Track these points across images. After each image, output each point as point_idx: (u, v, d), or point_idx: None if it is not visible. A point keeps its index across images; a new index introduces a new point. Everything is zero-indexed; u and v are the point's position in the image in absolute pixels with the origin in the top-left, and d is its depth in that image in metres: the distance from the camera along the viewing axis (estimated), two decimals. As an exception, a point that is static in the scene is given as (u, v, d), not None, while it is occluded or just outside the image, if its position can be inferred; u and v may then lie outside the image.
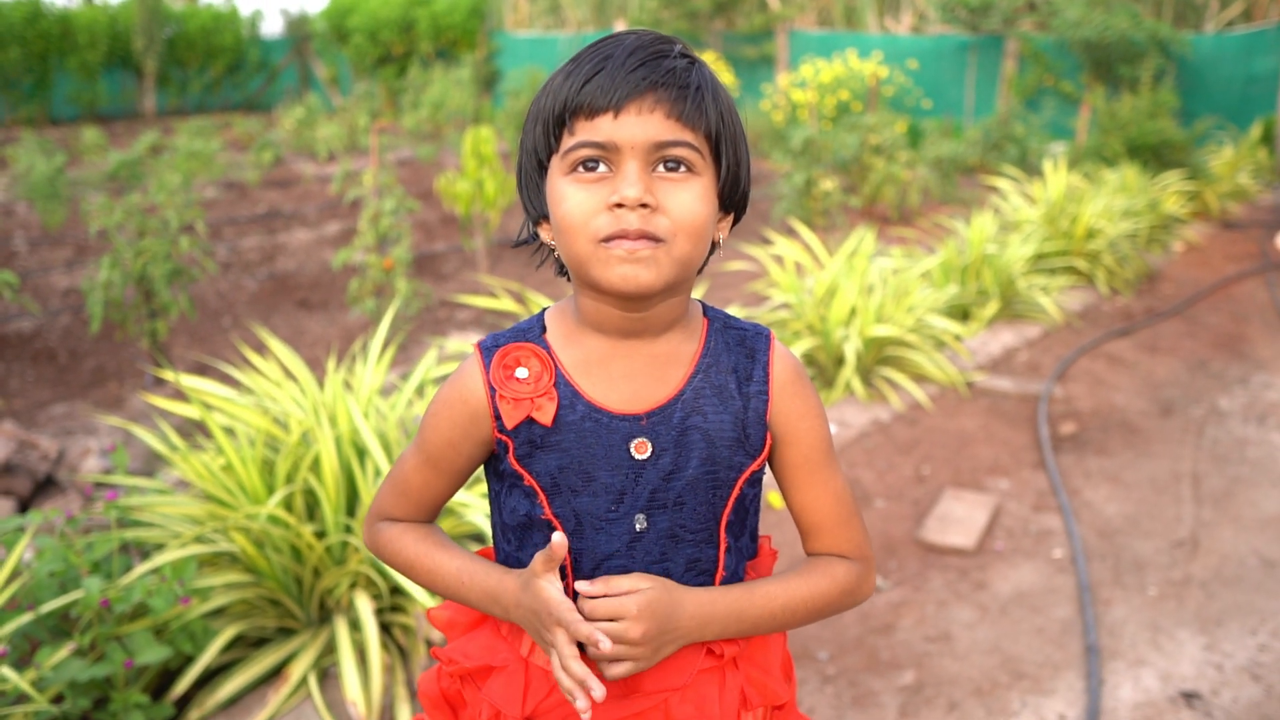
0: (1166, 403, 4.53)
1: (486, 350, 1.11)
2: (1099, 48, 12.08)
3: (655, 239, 0.99)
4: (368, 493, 2.54)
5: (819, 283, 4.79)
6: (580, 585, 1.05)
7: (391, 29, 18.31)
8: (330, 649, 2.52)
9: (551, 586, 1.03)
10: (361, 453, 2.69)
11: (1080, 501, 3.56)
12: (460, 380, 1.12)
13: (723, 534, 1.11)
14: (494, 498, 1.15)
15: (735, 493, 1.11)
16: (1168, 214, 7.92)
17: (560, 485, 1.08)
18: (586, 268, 1.01)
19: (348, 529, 2.58)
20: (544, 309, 1.16)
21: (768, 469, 1.16)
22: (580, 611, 1.04)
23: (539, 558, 1.04)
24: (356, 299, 5.24)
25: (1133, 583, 3.01)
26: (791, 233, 7.05)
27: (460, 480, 1.17)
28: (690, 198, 1.00)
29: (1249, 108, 12.42)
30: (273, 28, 21.63)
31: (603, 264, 1.00)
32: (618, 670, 1.04)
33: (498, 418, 1.09)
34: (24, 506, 3.71)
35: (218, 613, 2.54)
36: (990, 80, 13.73)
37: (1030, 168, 9.71)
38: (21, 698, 2.07)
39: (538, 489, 1.08)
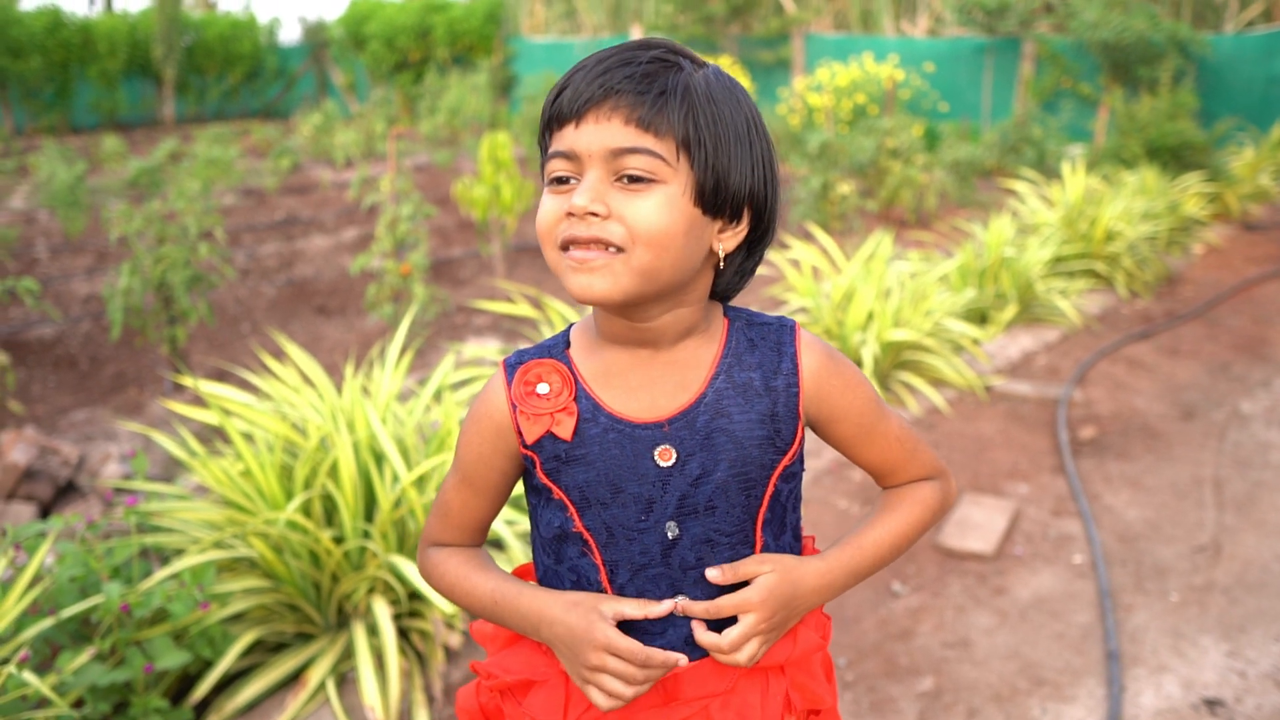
0: (1188, 406, 4.50)
1: (510, 367, 1.12)
2: (1117, 49, 12.00)
3: (611, 246, 0.98)
4: (385, 498, 2.54)
5: (836, 287, 4.78)
6: (710, 573, 1.08)
7: (408, 35, 18.40)
8: (348, 654, 2.52)
9: (619, 635, 1.05)
10: (379, 458, 2.70)
11: (1100, 506, 3.53)
12: (486, 397, 1.13)
13: (759, 534, 1.11)
14: (532, 512, 1.16)
15: (770, 490, 1.11)
16: (1187, 216, 7.85)
17: (589, 498, 1.08)
18: (559, 275, 1.02)
19: (365, 534, 2.59)
20: (571, 324, 1.16)
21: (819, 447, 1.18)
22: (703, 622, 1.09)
23: (609, 610, 1.06)
24: (374, 304, 5.26)
25: (1154, 588, 2.98)
26: (808, 236, 7.03)
27: (498, 498, 1.17)
28: (649, 207, 0.97)
29: (1270, 108, 12.31)
30: (290, 35, 21.78)
31: (565, 273, 1.01)
32: (748, 652, 1.07)
33: (521, 435, 1.09)
34: (45, 512, 3.74)
35: (236, 618, 2.55)
36: (1007, 83, 13.68)
37: (1048, 170, 9.66)
38: (43, 702, 2.08)
39: (568, 502, 1.09)
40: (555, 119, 1.01)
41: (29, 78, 16.87)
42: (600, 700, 1.04)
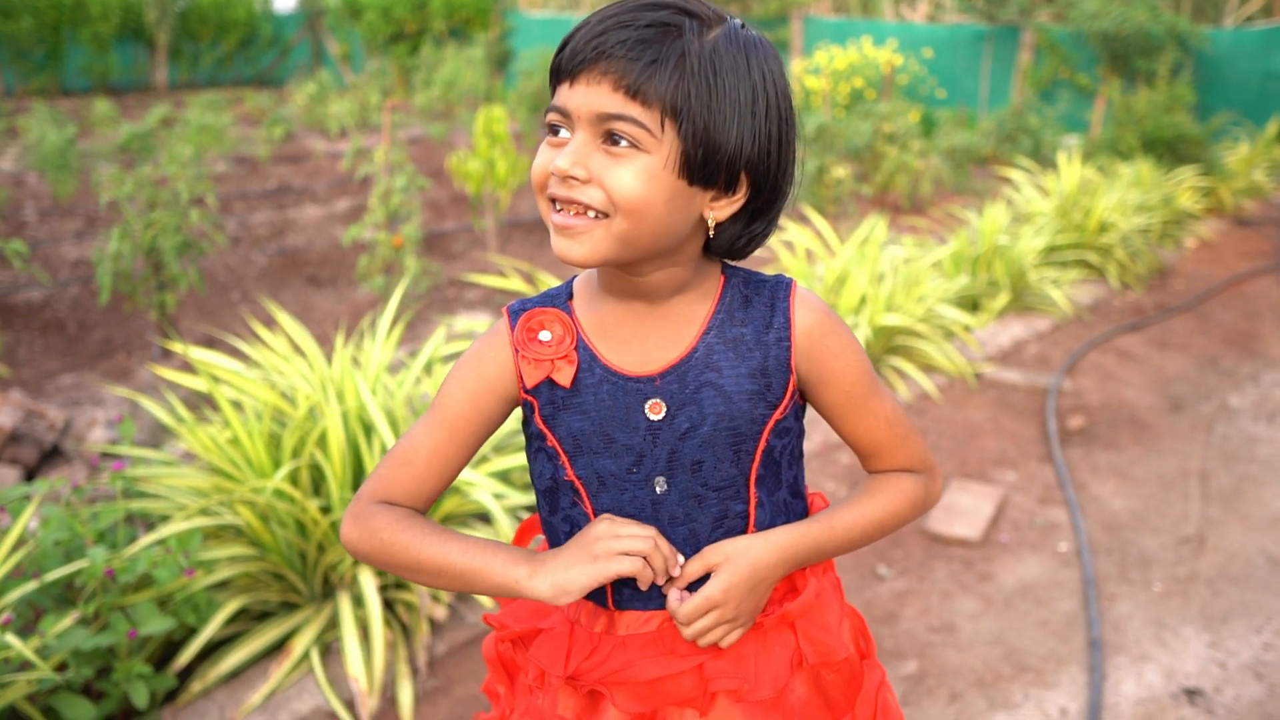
0: (1176, 399, 4.51)
1: (514, 313, 1.13)
2: (1116, 40, 11.98)
3: (593, 209, 0.99)
4: (372, 468, 2.53)
5: (830, 270, 4.77)
6: (670, 604, 1.09)
7: (405, 6, 18.24)
8: (333, 624, 2.52)
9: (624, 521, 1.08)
10: (368, 429, 2.69)
11: (1087, 496, 3.54)
12: (488, 339, 1.13)
13: (752, 490, 1.12)
14: (530, 463, 1.17)
15: (762, 445, 1.11)
16: (1181, 209, 7.86)
17: (582, 446, 1.10)
18: (549, 229, 1.03)
19: (353, 505, 2.58)
20: (574, 276, 1.17)
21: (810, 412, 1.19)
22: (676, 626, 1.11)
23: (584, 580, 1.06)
24: (365, 275, 5.24)
25: (1138, 578, 3.00)
26: (803, 219, 7.01)
27: (471, 446, 1.15)
28: (629, 174, 0.97)
29: (1267, 104, 12.32)
30: (286, 3, 21.54)
31: (551, 232, 1.02)
32: (697, 628, 1.09)
33: (522, 378, 1.10)
34: (30, 475, 3.71)
35: (221, 586, 2.54)
36: (1005, 71, 13.65)
37: (1044, 160, 9.65)
38: (25, 665, 2.07)
39: (560, 450, 1.10)
40: (554, 73, 1.01)
41: (20, 38, 16.67)
42: (625, 564, 1.05)
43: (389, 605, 2.58)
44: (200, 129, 10.68)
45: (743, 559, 1.09)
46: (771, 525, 1.15)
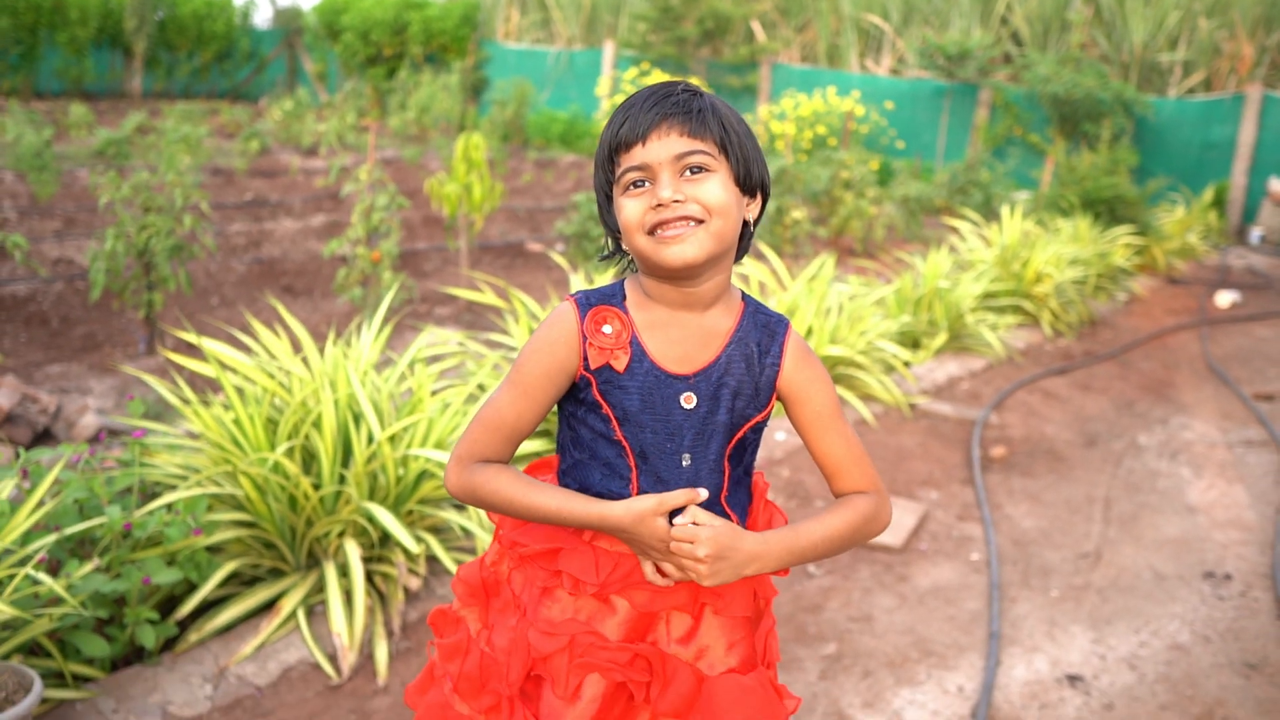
0: (1091, 435, 4.92)
1: (581, 304, 1.45)
2: (1066, 103, 12.61)
3: (692, 219, 1.35)
4: (360, 452, 2.83)
5: (780, 302, 5.14)
6: (678, 522, 1.40)
7: (383, 30, 18.58)
8: (318, 589, 2.80)
9: (662, 522, 1.40)
10: (357, 417, 2.98)
11: (1001, 515, 3.91)
12: (559, 324, 1.44)
13: (727, 464, 1.48)
14: (568, 418, 1.48)
15: (740, 434, 1.47)
16: (1115, 265, 8.36)
17: (629, 419, 1.43)
18: (647, 255, 1.38)
19: (341, 479, 2.87)
20: (621, 279, 1.50)
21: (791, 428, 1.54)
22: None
23: (651, 504, 1.39)
24: (343, 287, 5.52)
25: (1038, 585, 3.36)
26: (760, 256, 7.40)
27: (543, 410, 1.47)
28: (712, 186, 1.36)
29: (1204, 172, 13.01)
30: (265, 19, 21.79)
31: (656, 250, 1.36)
32: (677, 576, 1.42)
33: (585, 359, 1.43)
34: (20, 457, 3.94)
35: (217, 550, 2.82)
36: (963, 126, 14.25)
37: (992, 213, 10.15)
38: (47, 605, 2.34)
39: (612, 417, 1.44)
40: (623, 144, 1.37)
41: (-4, 38, 16.77)
42: (655, 576, 1.43)
43: (369, 576, 2.87)
44: (176, 139, 10.90)
45: (732, 530, 1.42)
46: (734, 491, 1.50)
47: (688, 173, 1.36)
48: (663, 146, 1.35)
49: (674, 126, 1.36)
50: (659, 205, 1.35)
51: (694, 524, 1.39)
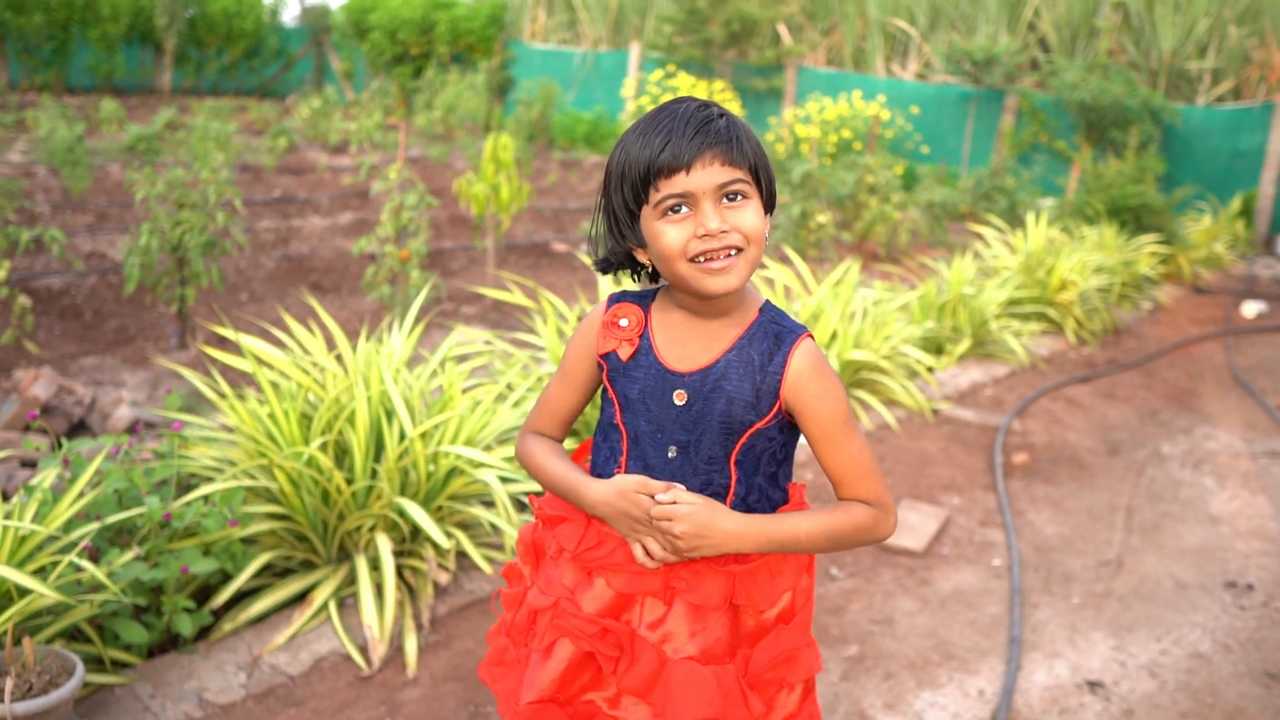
0: (1114, 444, 4.92)
1: (612, 299, 1.59)
2: (1093, 110, 12.55)
3: (734, 248, 1.43)
4: (392, 448, 2.88)
5: (805, 306, 5.16)
6: (660, 498, 1.48)
7: (411, 29, 18.69)
8: (348, 582, 2.86)
9: (645, 497, 1.49)
10: (389, 413, 3.03)
11: (1023, 521, 3.93)
12: (593, 315, 1.60)
13: (733, 468, 1.53)
14: (601, 405, 1.61)
15: (743, 440, 1.51)
16: (1140, 274, 8.34)
17: (630, 405, 1.55)
18: (688, 281, 1.45)
19: (373, 474, 2.93)
20: (663, 284, 1.58)
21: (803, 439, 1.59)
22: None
23: (634, 482, 1.49)
24: (371, 285, 5.59)
25: (1060, 591, 3.38)
26: (785, 260, 7.43)
27: (584, 394, 1.64)
28: (751, 215, 1.45)
29: (1232, 180, 12.93)
30: (293, 17, 21.94)
31: (699, 278, 1.44)
32: (659, 555, 1.49)
33: (600, 345, 1.56)
34: (57, 447, 4.02)
35: (251, 541, 2.88)
36: (988, 132, 14.21)
37: (1017, 220, 10.13)
38: (91, 590, 2.40)
39: (616, 402, 1.56)
40: (665, 169, 1.41)
41: (29, 33, 16.96)
42: (644, 558, 1.50)
43: (399, 570, 2.92)
44: (206, 135, 11.02)
45: (710, 507, 1.48)
46: (747, 498, 1.54)
47: (725, 200, 1.43)
48: (707, 175, 1.41)
49: (717, 156, 1.41)
50: (705, 235, 1.41)
51: (676, 501, 1.47)
